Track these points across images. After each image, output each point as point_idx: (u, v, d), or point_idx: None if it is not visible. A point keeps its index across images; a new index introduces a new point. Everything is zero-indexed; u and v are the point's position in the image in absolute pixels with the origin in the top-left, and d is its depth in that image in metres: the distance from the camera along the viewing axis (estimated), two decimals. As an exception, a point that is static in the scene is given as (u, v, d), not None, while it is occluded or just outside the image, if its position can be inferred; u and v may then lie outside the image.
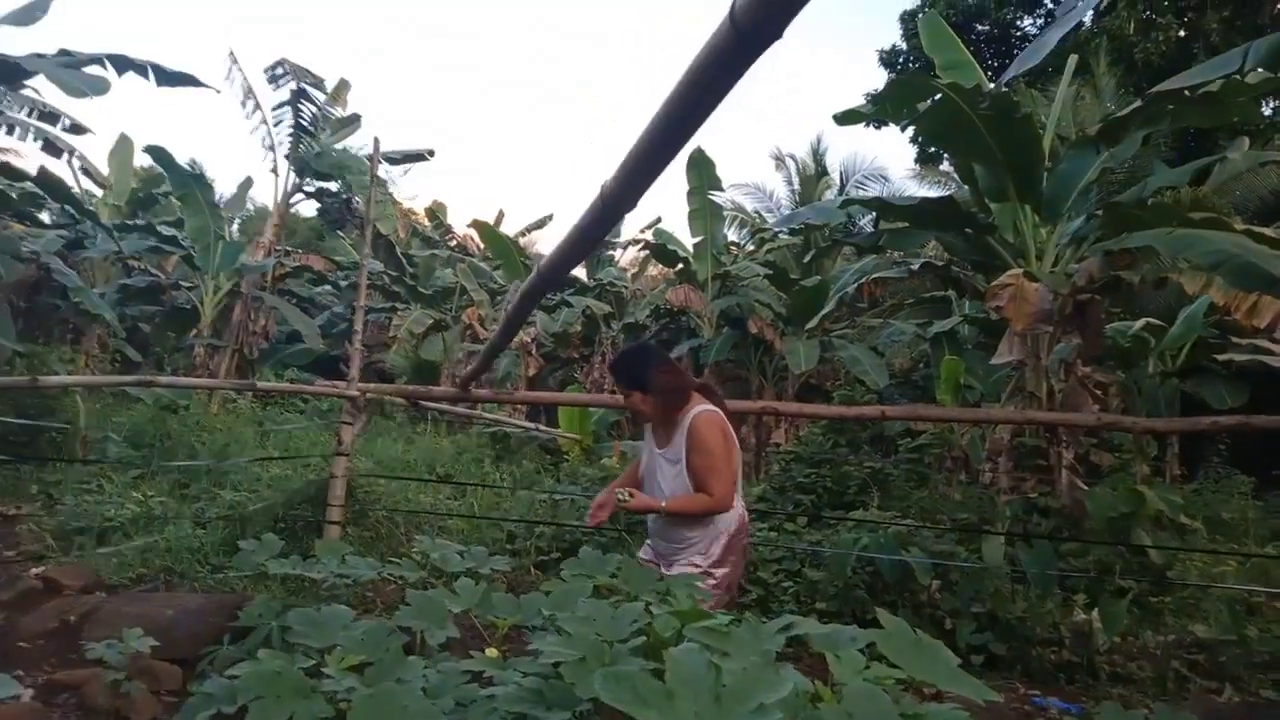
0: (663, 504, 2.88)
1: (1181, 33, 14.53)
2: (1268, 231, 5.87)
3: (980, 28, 17.88)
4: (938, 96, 5.15)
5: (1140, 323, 9.15)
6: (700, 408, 2.95)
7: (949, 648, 1.62)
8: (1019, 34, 18.01)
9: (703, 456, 2.88)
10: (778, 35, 1.12)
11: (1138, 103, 4.39)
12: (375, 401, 5.10)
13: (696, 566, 2.91)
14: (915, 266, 7.41)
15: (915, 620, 4.44)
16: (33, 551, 4.84)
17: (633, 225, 22.03)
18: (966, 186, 6.53)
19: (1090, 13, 15.50)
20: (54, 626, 3.55)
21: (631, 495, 2.89)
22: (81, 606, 3.69)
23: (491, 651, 1.96)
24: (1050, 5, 17.54)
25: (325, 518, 4.31)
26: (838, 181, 18.19)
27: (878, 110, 5.80)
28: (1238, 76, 4.30)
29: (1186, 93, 4.11)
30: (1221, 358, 8.87)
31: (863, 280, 7.73)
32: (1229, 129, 11.25)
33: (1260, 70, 3.83)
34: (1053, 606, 4.58)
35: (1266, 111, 14.35)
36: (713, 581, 2.88)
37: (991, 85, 5.93)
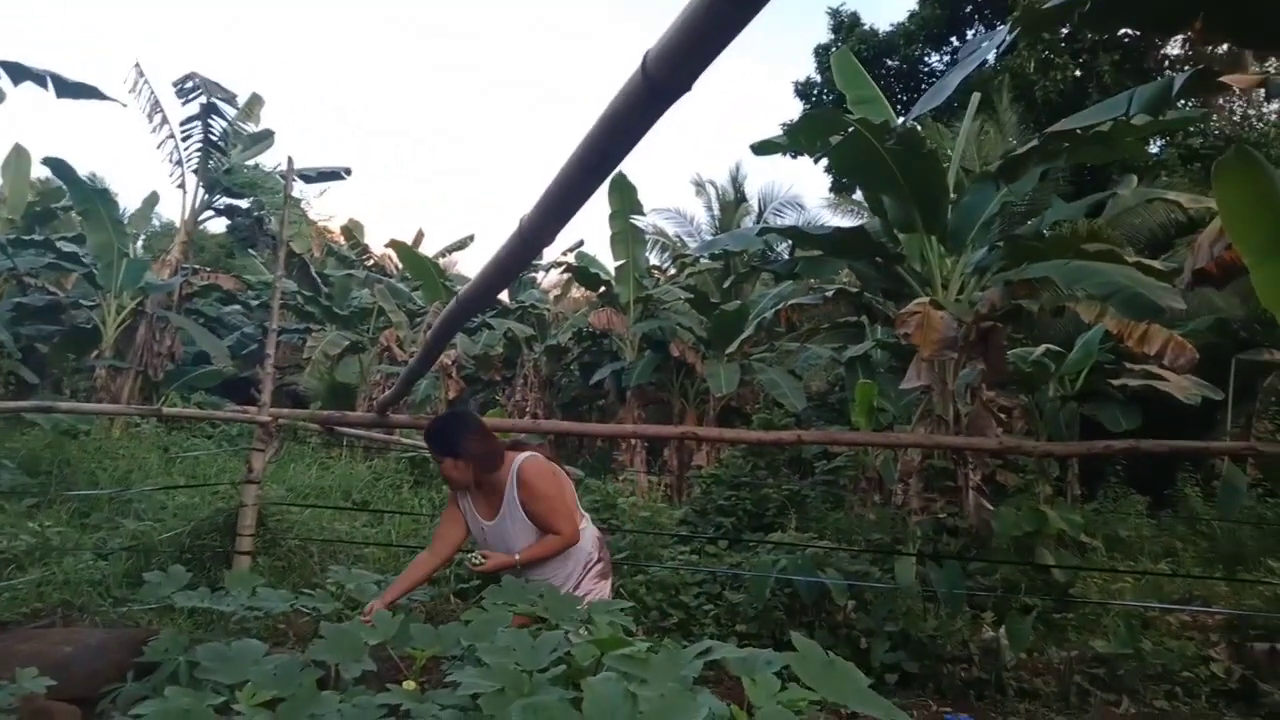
0: (516, 556, 2.92)
1: (1077, 73, 15.40)
2: (1156, 264, 6.27)
3: (890, 62, 18.61)
4: (849, 130, 5.35)
5: (1040, 349, 9.57)
6: (520, 458, 3.03)
7: (863, 667, 1.70)
8: (926, 69, 18.80)
9: (540, 501, 2.97)
10: (687, 88, 1.20)
11: (1034, 141, 4.65)
12: (288, 426, 4.98)
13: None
14: (830, 293, 7.63)
15: (832, 640, 4.55)
16: (-88, 589, 4.55)
17: (556, 248, 22.04)
18: (877, 218, 6.78)
19: (993, 52, 16.32)
20: (-63, 669, 3.34)
21: (485, 558, 2.91)
22: (-32, 646, 3.49)
23: (409, 684, 1.94)
24: (956, 44, 18.37)
25: (235, 548, 4.18)
26: (756, 208, 18.62)
27: (792, 142, 5.98)
28: (1124, 118, 4.60)
29: (1079, 132, 4.37)
30: (1116, 382, 9.35)
31: (780, 306, 7.92)
32: (1120, 166, 11.98)
33: (1142, 115, 4.10)
34: (962, 624, 4.74)
35: (1154, 150, 15.30)
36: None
37: (901, 119, 6.18)
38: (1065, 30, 14.66)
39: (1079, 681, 4.49)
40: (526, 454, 3.06)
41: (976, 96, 7.30)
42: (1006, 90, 13.87)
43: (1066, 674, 4.57)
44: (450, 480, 3.03)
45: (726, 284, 14.26)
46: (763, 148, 6.43)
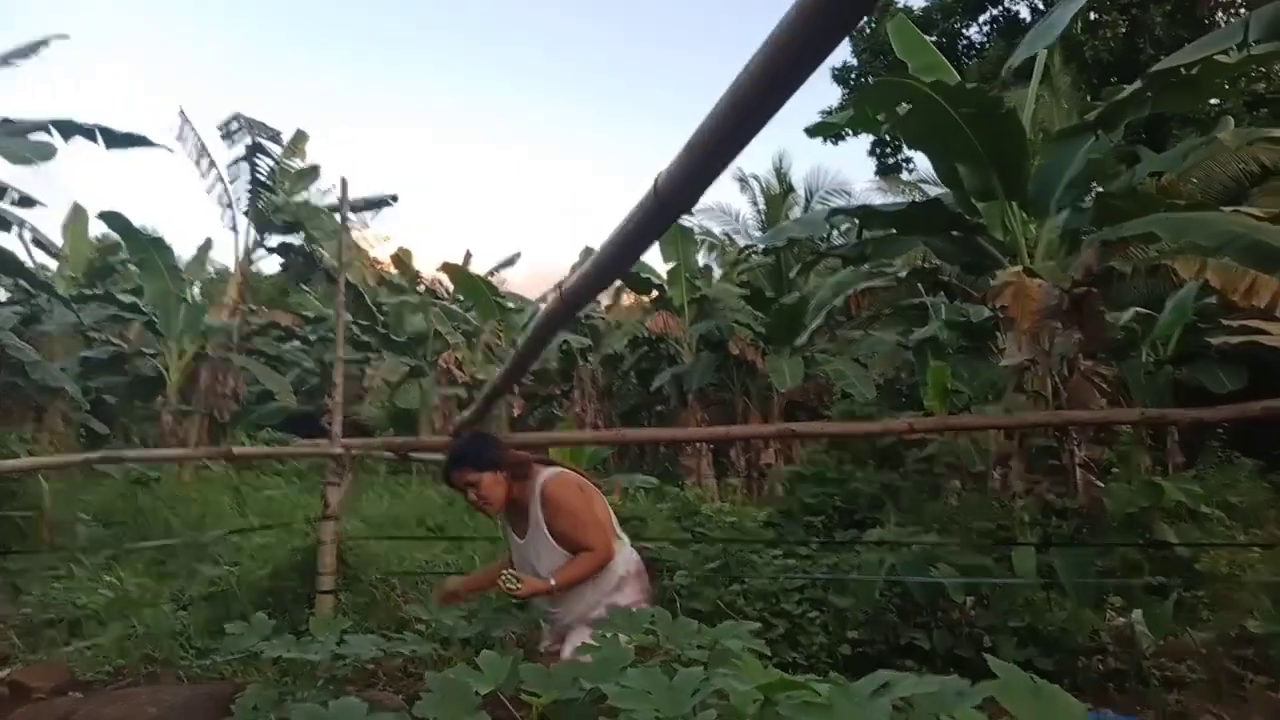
0: (551, 582, 2.71)
1: (1122, 31, 14.76)
2: (1255, 211, 5.81)
3: (928, 38, 18.06)
4: (919, 97, 5.03)
5: (1129, 312, 9.08)
6: (544, 475, 2.87)
7: (991, 669, 1.42)
8: (965, 42, 18.22)
9: (566, 518, 2.80)
10: (690, 206, 1.52)
11: (1138, 83, 4.26)
12: (360, 457, 4.81)
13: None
14: (903, 274, 7.26)
15: (952, 641, 4.21)
16: (-3, 652, 4.47)
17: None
18: (950, 189, 6.42)
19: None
20: (24, 737, 3.21)
21: (520, 581, 2.69)
22: (54, 711, 3.35)
23: (531, 738, 1.69)
24: (995, 14, 17.79)
25: (316, 588, 4.00)
26: (803, 198, 18.20)
27: (855, 115, 5.68)
28: (1221, 56, 4.21)
29: (1183, 71, 3.98)
30: (1215, 341, 8.79)
31: (850, 292, 7.57)
32: (1179, 118, 11.39)
33: (1258, 44, 3.69)
34: (1090, 613, 4.37)
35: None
36: None
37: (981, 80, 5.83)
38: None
39: (1228, 666, 4.08)
40: (552, 470, 2.91)
41: (1043, 54, 6.88)
42: (1058, 51, 13.31)
43: (1212, 658, 4.16)
44: (488, 501, 2.83)
45: (793, 274, 13.90)
46: (819, 129, 6.15)
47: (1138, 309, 8.95)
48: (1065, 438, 5.61)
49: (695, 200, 1.48)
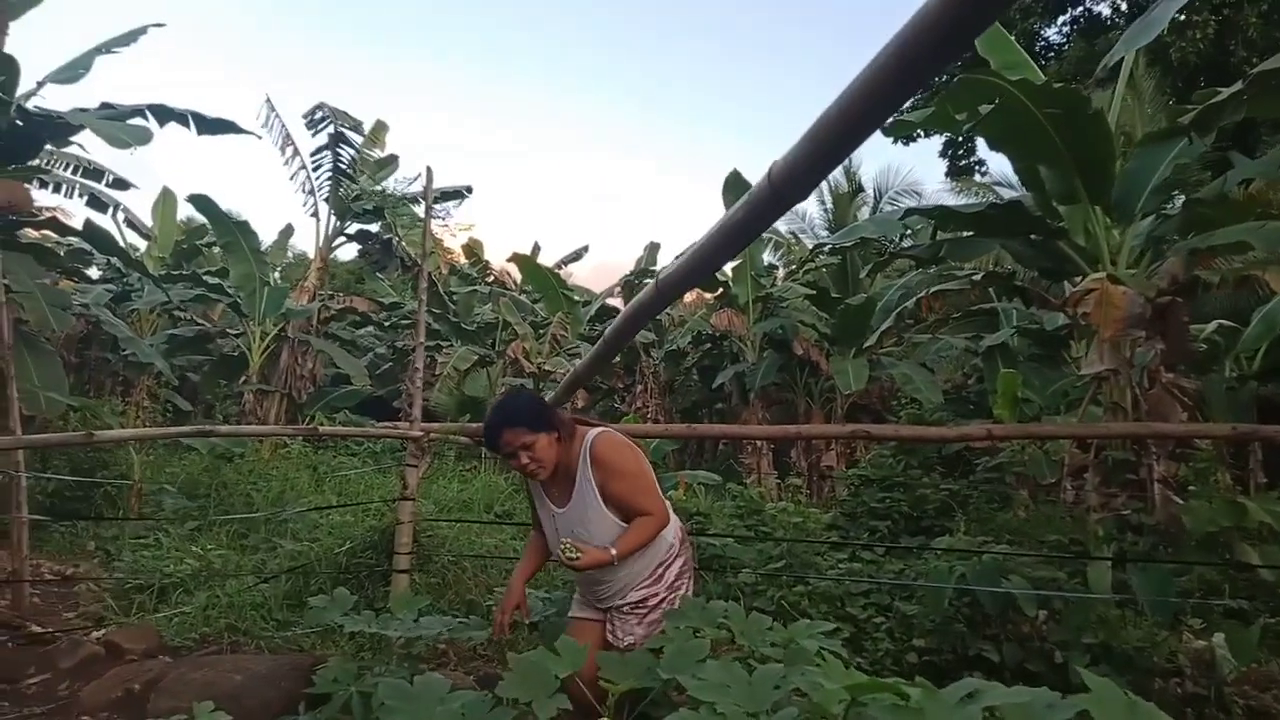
0: (612, 551, 2.49)
1: (1210, 32, 14.14)
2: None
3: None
4: (1003, 96, 4.93)
5: (1212, 325, 8.74)
6: (592, 434, 2.62)
7: (1061, 684, 1.40)
8: (1043, 43, 17.69)
9: (624, 479, 2.57)
10: (804, 197, 1.51)
11: (1237, 86, 4.11)
12: (435, 440, 4.94)
13: (658, 597, 2.63)
14: (977, 277, 7.12)
15: (1022, 655, 4.14)
16: (92, 613, 4.72)
17: (668, 251, 21.94)
18: (1030, 191, 6.28)
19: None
20: (118, 696, 3.39)
21: (579, 550, 2.47)
22: (145, 673, 3.53)
23: (610, 725, 1.73)
24: (1075, 14, 17.23)
25: (392, 566, 4.12)
26: (872, 198, 17.93)
27: (936, 114, 5.57)
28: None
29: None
30: (1306, 358, 8.43)
31: (922, 295, 7.45)
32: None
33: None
34: (1167, 634, 4.25)
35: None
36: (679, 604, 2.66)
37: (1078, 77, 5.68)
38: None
39: (1316, 698, 3.93)
40: (598, 429, 2.66)
41: (1132, 55, 6.67)
42: (1143, 53, 12.83)
43: (1298, 689, 4.02)
44: (542, 465, 2.56)
45: (863, 274, 13.73)
46: (899, 127, 6.05)
47: (1222, 321, 8.61)
48: (1144, 452, 5.45)
49: (810, 191, 1.46)
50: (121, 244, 11.31)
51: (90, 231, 8.31)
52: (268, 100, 13.12)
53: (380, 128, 14.49)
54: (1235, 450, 8.62)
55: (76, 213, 18.27)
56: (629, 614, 2.64)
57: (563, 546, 2.48)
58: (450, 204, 15.24)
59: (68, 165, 10.30)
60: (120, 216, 12.77)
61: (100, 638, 4.16)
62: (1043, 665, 4.05)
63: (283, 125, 13.22)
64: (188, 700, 2.75)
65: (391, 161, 15.10)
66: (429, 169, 4.38)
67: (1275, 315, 7.84)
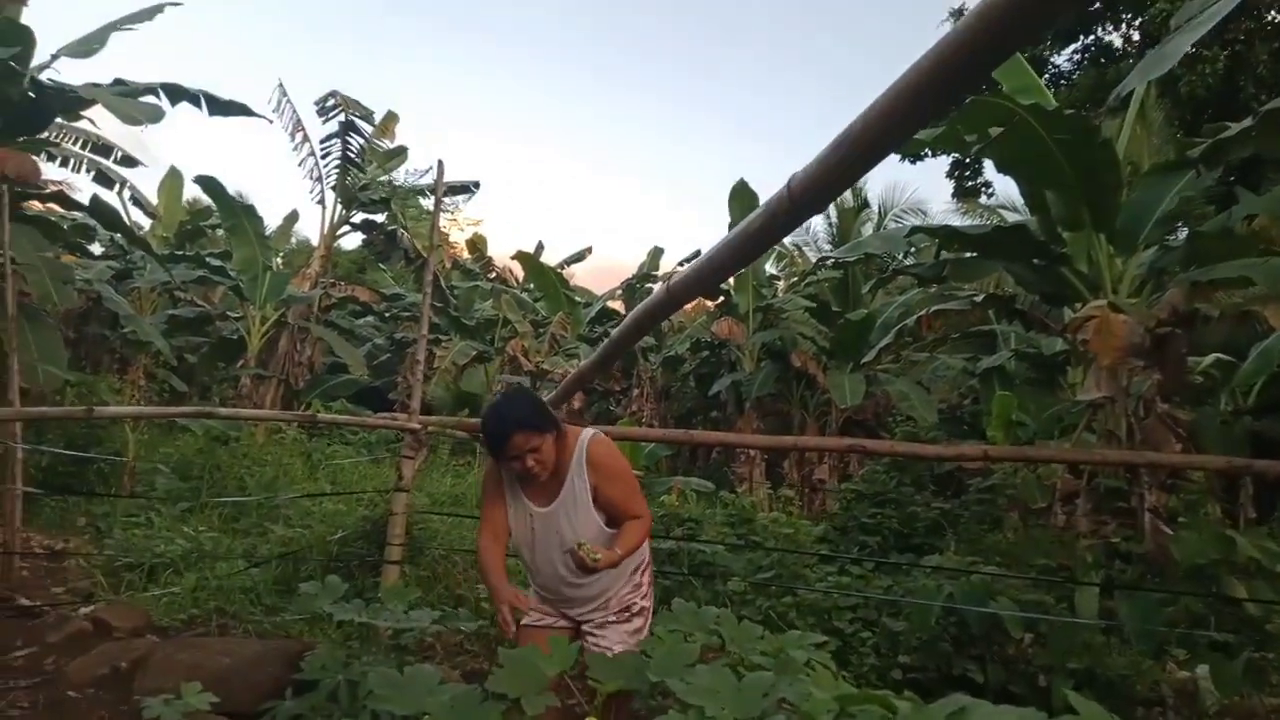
0: (617, 551, 2.44)
1: (1219, 66, 14.20)
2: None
3: (1017, 63, 17.64)
4: (1014, 120, 4.96)
5: (1209, 358, 8.78)
6: (587, 435, 2.58)
7: (1043, 706, 1.41)
8: (1053, 70, 17.74)
9: (618, 482, 2.55)
10: (823, 208, 1.62)
11: (1247, 122, 4.15)
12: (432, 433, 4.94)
13: (637, 605, 2.65)
14: (978, 299, 7.15)
15: (1006, 676, 4.17)
16: (81, 589, 4.72)
17: (671, 258, 21.98)
18: (1034, 215, 6.31)
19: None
20: (104, 674, 3.39)
21: (597, 553, 2.39)
22: (133, 651, 3.54)
23: (596, 724, 1.75)
24: (1087, 41, 17.28)
25: (384, 556, 4.13)
26: (876, 215, 17.97)
27: (946, 133, 5.60)
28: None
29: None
30: (1301, 394, 8.46)
31: (922, 313, 7.49)
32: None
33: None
34: (1150, 663, 4.27)
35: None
36: (650, 612, 2.69)
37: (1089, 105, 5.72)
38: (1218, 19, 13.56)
39: (1296, 734, 3.96)
40: (591, 430, 2.61)
41: (1143, 87, 6.71)
42: (1152, 86, 12.89)
43: (1277, 724, 4.05)
44: (545, 467, 2.47)
45: (865, 289, 13.77)
46: (908, 146, 6.06)
47: (1219, 355, 8.64)
48: (1135, 480, 5.47)
49: (828, 203, 1.51)
50: (126, 221, 11.30)
51: (96, 207, 8.31)
52: (280, 85, 13.12)
53: (390, 118, 14.48)
54: (1226, 484, 8.64)
55: (83, 188, 18.20)
56: (615, 623, 2.62)
57: (584, 549, 2.40)
58: (459, 198, 15.25)
59: (77, 139, 10.31)
60: (126, 194, 12.77)
61: (88, 614, 4.17)
62: (1026, 688, 4.08)
63: (294, 111, 13.23)
64: (174, 680, 2.77)
65: (401, 153, 15.09)
66: (440, 162, 4.39)
67: (1273, 351, 7.86)
